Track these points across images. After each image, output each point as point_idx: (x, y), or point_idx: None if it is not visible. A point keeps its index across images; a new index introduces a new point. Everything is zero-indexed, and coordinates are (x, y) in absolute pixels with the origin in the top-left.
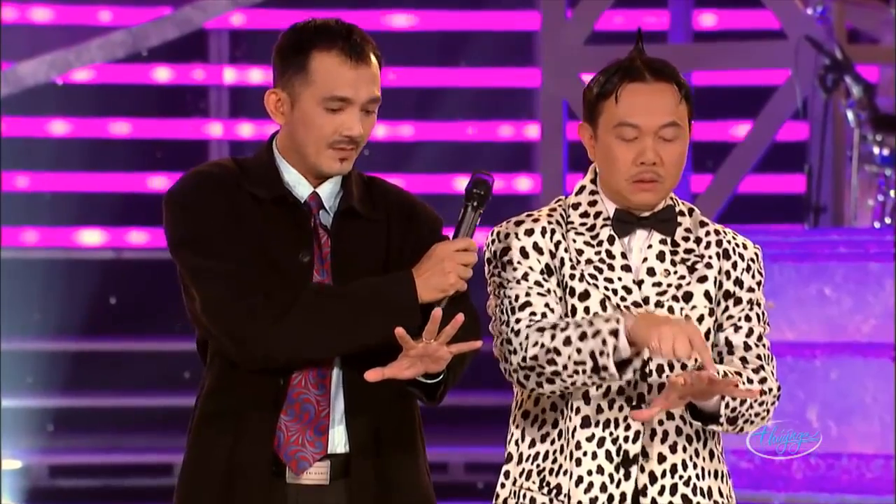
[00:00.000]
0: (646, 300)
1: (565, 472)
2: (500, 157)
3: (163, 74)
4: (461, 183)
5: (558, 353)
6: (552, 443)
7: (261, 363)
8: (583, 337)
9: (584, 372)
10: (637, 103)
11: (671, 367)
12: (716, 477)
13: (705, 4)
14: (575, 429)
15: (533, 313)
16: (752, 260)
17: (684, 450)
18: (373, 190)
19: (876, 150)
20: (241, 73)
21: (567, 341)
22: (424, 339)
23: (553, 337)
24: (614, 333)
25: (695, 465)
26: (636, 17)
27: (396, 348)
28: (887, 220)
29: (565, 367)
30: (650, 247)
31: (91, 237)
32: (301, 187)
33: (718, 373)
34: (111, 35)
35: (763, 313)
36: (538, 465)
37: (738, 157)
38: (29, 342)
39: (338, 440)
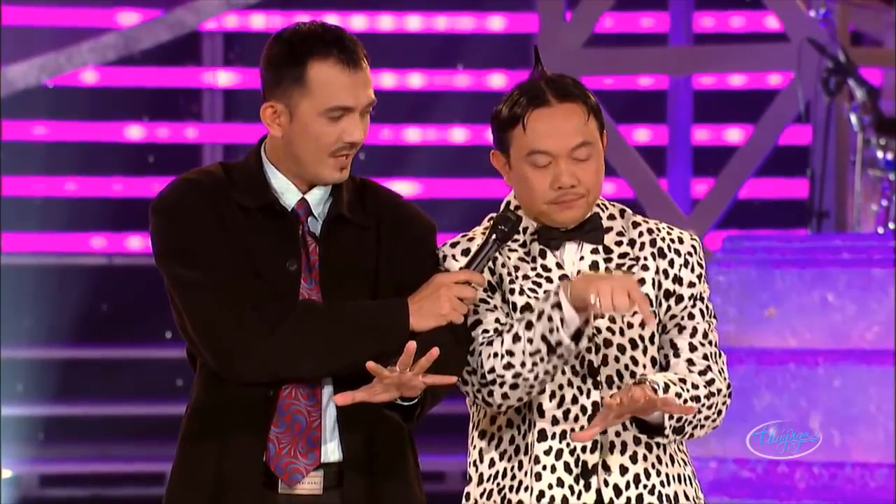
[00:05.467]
0: None
1: (526, 489)
2: None
3: (155, 77)
4: (457, 187)
5: (512, 353)
6: (510, 460)
7: (245, 377)
8: (529, 326)
9: (542, 360)
10: (545, 129)
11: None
12: (680, 481)
13: (706, 6)
14: (532, 443)
15: (486, 330)
16: (690, 253)
17: (645, 458)
18: (365, 195)
19: (879, 154)
20: (235, 75)
21: (516, 338)
22: (399, 369)
23: (502, 342)
24: (557, 306)
25: (658, 473)
26: (636, 19)
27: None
28: (891, 226)
29: (523, 364)
30: (582, 258)
31: (82, 243)
32: (289, 194)
33: (659, 385)
34: (102, 37)
35: (708, 307)
36: (498, 484)
37: (739, 162)
38: (19, 350)
39: (331, 450)
